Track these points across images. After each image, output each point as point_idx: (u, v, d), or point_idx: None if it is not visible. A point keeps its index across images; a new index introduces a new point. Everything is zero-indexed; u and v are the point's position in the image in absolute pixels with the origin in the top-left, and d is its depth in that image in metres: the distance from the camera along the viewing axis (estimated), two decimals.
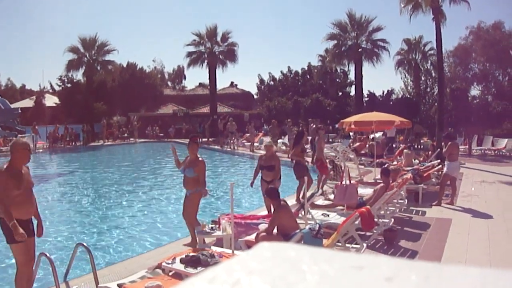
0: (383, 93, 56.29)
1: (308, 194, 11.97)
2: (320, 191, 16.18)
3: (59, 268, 8.11)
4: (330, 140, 37.69)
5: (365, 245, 9.34)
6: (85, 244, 8.43)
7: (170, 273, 7.76)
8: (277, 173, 12.78)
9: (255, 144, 35.38)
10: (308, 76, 65.73)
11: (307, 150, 19.97)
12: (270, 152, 13.19)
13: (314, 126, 29.10)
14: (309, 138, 25.85)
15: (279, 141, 34.83)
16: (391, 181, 12.52)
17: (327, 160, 17.72)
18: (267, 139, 29.49)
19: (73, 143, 45.44)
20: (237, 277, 0.73)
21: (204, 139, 44.03)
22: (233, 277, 0.73)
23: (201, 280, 0.74)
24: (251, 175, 13.54)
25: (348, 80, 60.42)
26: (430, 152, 21.74)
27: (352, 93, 55.73)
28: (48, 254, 7.59)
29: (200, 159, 10.65)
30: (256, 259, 0.79)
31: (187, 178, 10.50)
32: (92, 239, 12.58)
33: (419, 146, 31.83)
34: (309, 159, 19.34)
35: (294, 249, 0.83)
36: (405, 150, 20.44)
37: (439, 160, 17.74)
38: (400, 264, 0.75)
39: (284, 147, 31.35)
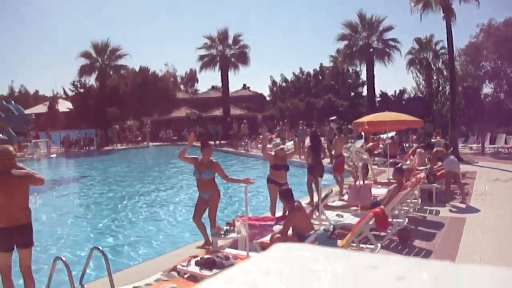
0: (395, 92, 56.35)
1: (322, 195, 11.94)
2: (333, 191, 16.15)
3: (75, 271, 8.14)
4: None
5: (379, 245, 9.32)
6: (100, 247, 8.46)
7: (185, 276, 7.77)
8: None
9: (269, 146, 35.28)
10: (320, 77, 65.73)
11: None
12: (283, 152, 13.13)
13: (329, 127, 28.99)
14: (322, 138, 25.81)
15: (290, 142, 34.77)
16: (404, 181, 12.49)
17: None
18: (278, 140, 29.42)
19: (87, 148, 45.65)
20: (254, 278, 0.74)
21: (217, 142, 44.15)
22: (249, 278, 0.75)
23: (219, 281, 0.76)
24: (264, 177, 13.47)
25: (360, 80, 60.37)
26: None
27: (364, 93, 55.65)
28: (63, 258, 7.63)
29: (214, 160, 10.69)
30: (271, 260, 0.81)
31: (204, 180, 10.50)
32: (107, 242, 12.63)
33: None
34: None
35: (308, 249, 0.85)
36: (418, 150, 20.36)
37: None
38: (412, 263, 0.77)
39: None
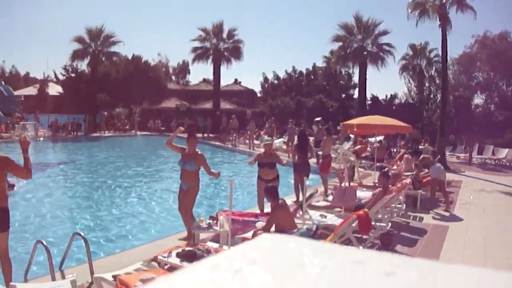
0: (386, 97, 56.51)
1: (307, 194, 11.95)
2: (318, 191, 16.16)
3: (55, 256, 8.10)
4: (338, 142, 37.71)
5: (361, 248, 9.34)
6: (82, 233, 8.43)
7: (166, 267, 7.75)
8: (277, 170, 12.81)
9: (256, 142, 35.37)
10: (312, 77, 65.68)
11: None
12: (269, 151, 13.18)
13: (318, 127, 28.99)
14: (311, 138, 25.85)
15: (278, 140, 34.85)
16: (390, 185, 12.52)
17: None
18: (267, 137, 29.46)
19: (75, 133, 45.48)
20: (239, 266, 0.73)
21: (205, 135, 44.12)
22: (234, 266, 0.73)
23: (203, 267, 0.74)
24: (250, 172, 13.49)
25: (352, 83, 60.40)
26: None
27: (356, 95, 55.68)
28: (44, 242, 7.59)
29: (199, 153, 10.69)
30: (257, 250, 0.80)
31: (187, 171, 10.52)
32: (89, 229, 12.58)
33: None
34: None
35: (295, 241, 0.84)
36: (405, 155, 20.42)
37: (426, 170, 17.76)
38: (401, 260, 0.76)
39: (284, 146, 31.35)
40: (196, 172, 10.54)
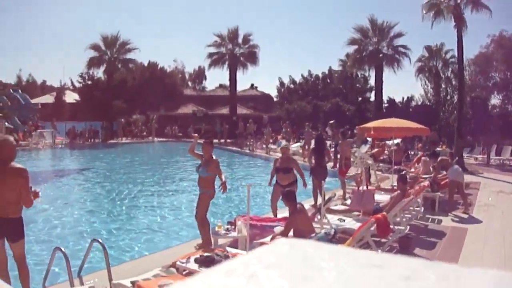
0: (402, 99, 56.32)
1: (326, 198, 11.91)
2: (336, 195, 16.12)
3: (73, 263, 8.13)
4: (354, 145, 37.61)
5: (379, 251, 9.29)
6: (100, 240, 8.46)
7: (184, 272, 7.76)
8: (301, 175, 12.77)
9: (273, 146, 35.38)
10: (328, 80, 65.60)
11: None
12: (286, 155, 13.16)
13: (332, 131, 28.96)
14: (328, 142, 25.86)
15: (296, 144, 34.80)
16: (408, 188, 12.46)
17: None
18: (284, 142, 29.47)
19: (92, 140, 45.76)
20: (254, 270, 0.72)
21: (222, 140, 44.22)
22: (249, 271, 0.73)
23: (218, 272, 0.74)
24: (267, 177, 13.50)
25: (368, 86, 60.20)
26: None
27: (372, 98, 55.51)
28: (62, 249, 7.62)
29: (214, 158, 10.68)
30: (273, 254, 0.79)
31: (201, 178, 10.52)
32: (107, 235, 12.62)
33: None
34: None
35: (312, 245, 0.83)
36: (423, 158, 20.31)
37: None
38: (419, 264, 0.75)
39: (301, 151, 31.30)
40: (209, 178, 10.46)
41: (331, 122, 29.77)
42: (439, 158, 17.35)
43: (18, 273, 7.47)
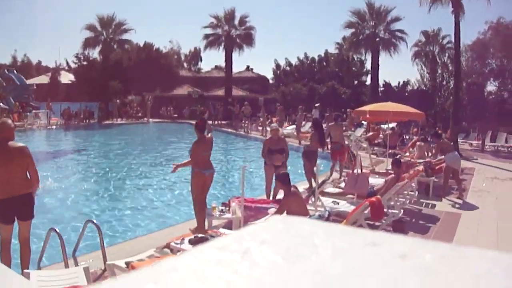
0: (398, 84, 56.27)
1: (320, 181, 11.93)
2: (330, 178, 16.14)
3: (68, 244, 8.14)
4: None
5: None
6: (94, 221, 8.47)
7: (178, 253, 7.76)
8: (286, 156, 12.79)
9: (269, 128, 35.39)
10: (324, 63, 65.36)
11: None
12: (277, 136, 13.17)
13: (328, 114, 29.03)
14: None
15: (291, 126, 34.79)
16: (402, 172, 12.49)
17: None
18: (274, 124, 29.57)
19: (87, 121, 45.64)
20: (248, 246, 0.71)
21: (216, 122, 44.19)
22: (243, 246, 0.72)
23: (211, 248, 0.73)
24: (263, 159, 13.48)
25: (364, 69, 60.04)
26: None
27: (368, 82, 55.47)
28: (57, 229, 7.63)
29: (208, 136, 10.72)
30: (268, 231, 0.78)
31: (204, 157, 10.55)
32: (101, 216, 12.62)
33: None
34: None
35: (307, 223, 0.82)
36: (418, 142, 20.32)
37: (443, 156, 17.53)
38: (415, 242, 0.74)
39: (295, 133, 31.29)
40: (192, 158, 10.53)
41: (316, 105, 29.98)
42: (441, 140, 17.09)
43: (20, 253, 7.51)
